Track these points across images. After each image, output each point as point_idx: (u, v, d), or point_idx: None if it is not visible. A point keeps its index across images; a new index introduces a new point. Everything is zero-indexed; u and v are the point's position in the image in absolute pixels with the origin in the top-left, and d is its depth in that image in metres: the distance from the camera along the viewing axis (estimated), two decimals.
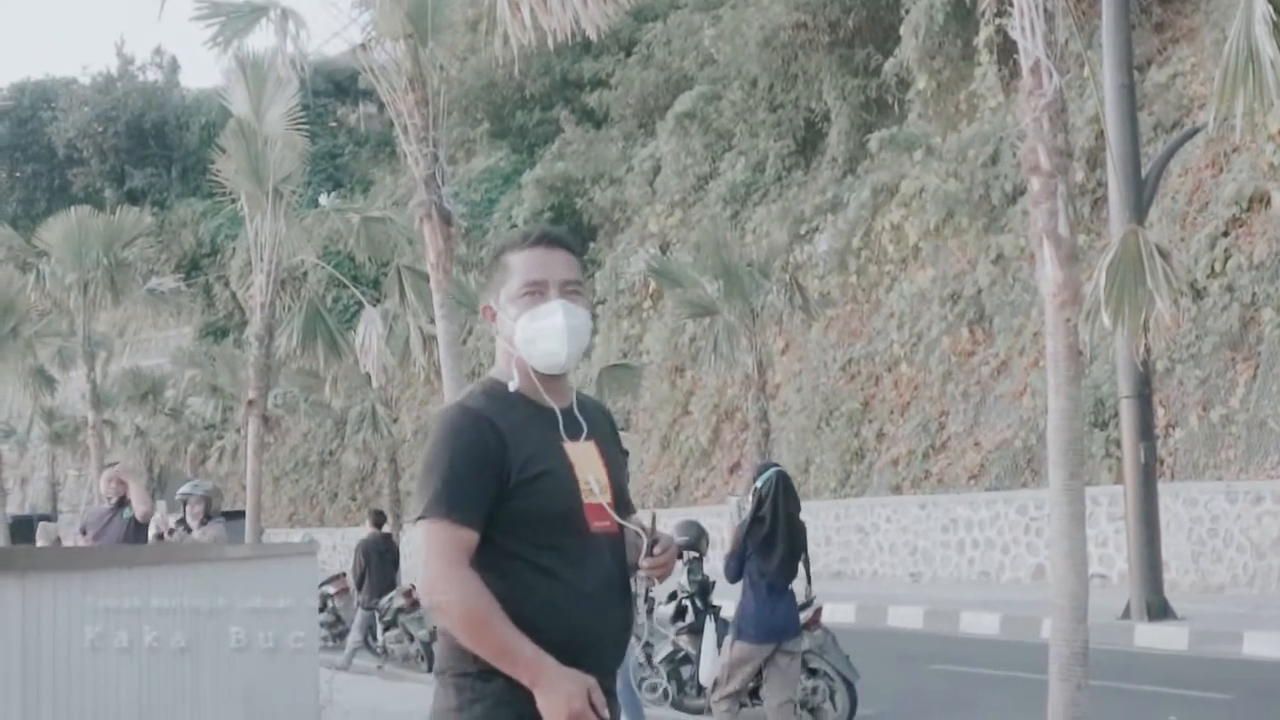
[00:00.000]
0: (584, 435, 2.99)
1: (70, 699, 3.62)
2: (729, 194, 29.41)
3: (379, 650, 16.04)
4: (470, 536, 2.80)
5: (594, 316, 29.68)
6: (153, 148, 49.22)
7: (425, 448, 2.86)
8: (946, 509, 20.82)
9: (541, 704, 2.74)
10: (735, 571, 7.64)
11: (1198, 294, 17.68)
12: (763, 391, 19.03)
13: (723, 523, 21.87)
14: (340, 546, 35.66)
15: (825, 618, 10.05)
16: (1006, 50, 22.21)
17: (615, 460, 3.09)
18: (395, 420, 34.56)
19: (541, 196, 34.52)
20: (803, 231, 26.56)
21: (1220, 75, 7.39)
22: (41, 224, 23.17)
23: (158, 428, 37.31)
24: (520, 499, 2.84)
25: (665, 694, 10.93)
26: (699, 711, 10.72)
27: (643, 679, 10.59)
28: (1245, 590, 16.20)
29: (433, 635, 15.35)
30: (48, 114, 49.86)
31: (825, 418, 24.24)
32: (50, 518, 32.88)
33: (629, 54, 36.36)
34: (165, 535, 9.25)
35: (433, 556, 2.79)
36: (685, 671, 10.85)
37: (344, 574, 19.18)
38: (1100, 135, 19.13)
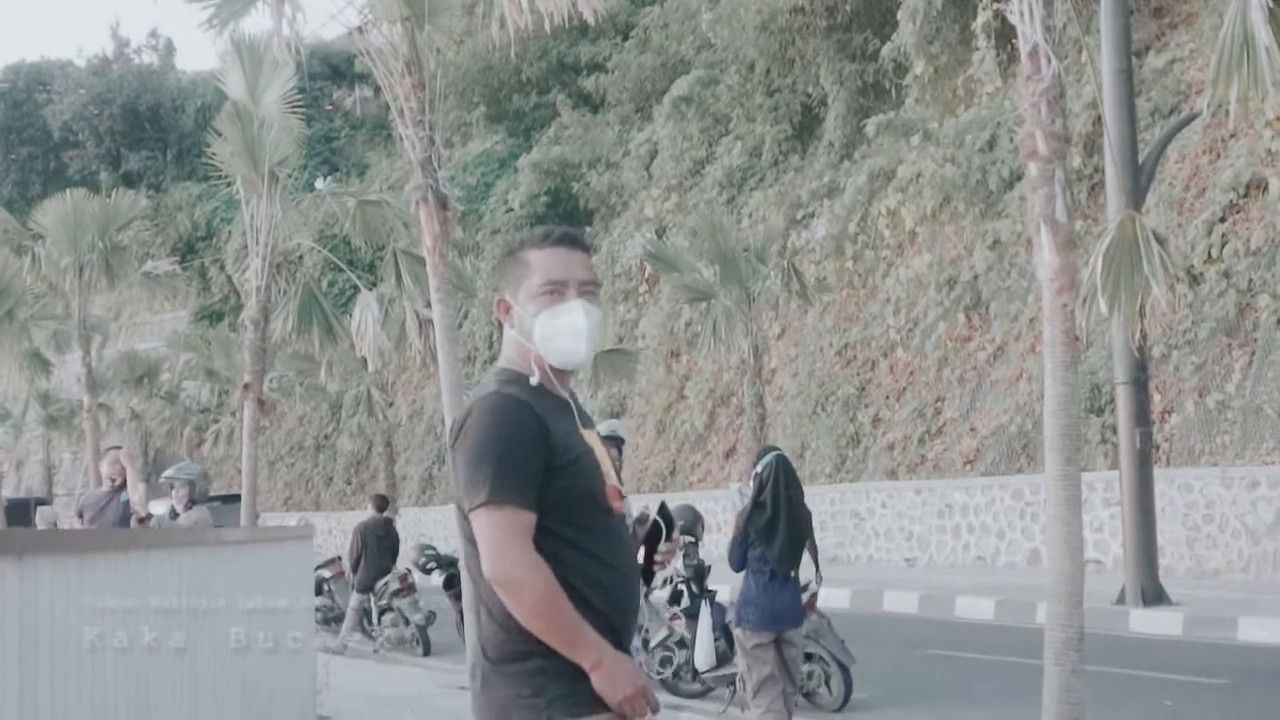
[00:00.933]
0: (587, 424, 3.12)
1: (68, 679, 3.62)
2: (725, 179, 29.38)
3: (375, 635, 16.07)
4: (532, 519, 2.86)
5: None
6: (148, 131, 49.14)
7: (470, 435, 2.86)
8: (942, 494, 20.85)
9: (600, 687, 2.83)
10: (739, 559, 7.53)
11: (1194, 280, 17.68)
12: (759, 376, 19.02)
13: (718, 508, 21.93)
14: (336, 530, 35.68)
15: (821, 602, 10.07)
16: (1004, 35, 22.17)
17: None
18: (391, 404, 34.62)
19: (538, 180, 34.48)
20: (799, 216, 26.54)
21: (1215, 61, 7.38)
22: (37, 207, 23.12)
23: (153, 411, 37.29)
24: (563, 479, 2.90)
25: (661, 679, 10.94)
26: (694, 696, 10.75)
27: (638, 664, 10.62)
28: (1240, 576, 16.23)
29: (429, 619, 15.35)
30: (43, 96, 49.75)
31: (821, 403, 24.26)
32: (46, 501, 32.94)
33: (626, 38, 36.30)
34: (146, 520, 9.23)
35: (505, 541, 2.81)
36: (681, 656, 10.86)
37: (339, 558, 19.17)
38: (1098, 121, 19.14)
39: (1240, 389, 17.26)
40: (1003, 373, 21.11)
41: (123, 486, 9.38)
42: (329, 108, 50.61)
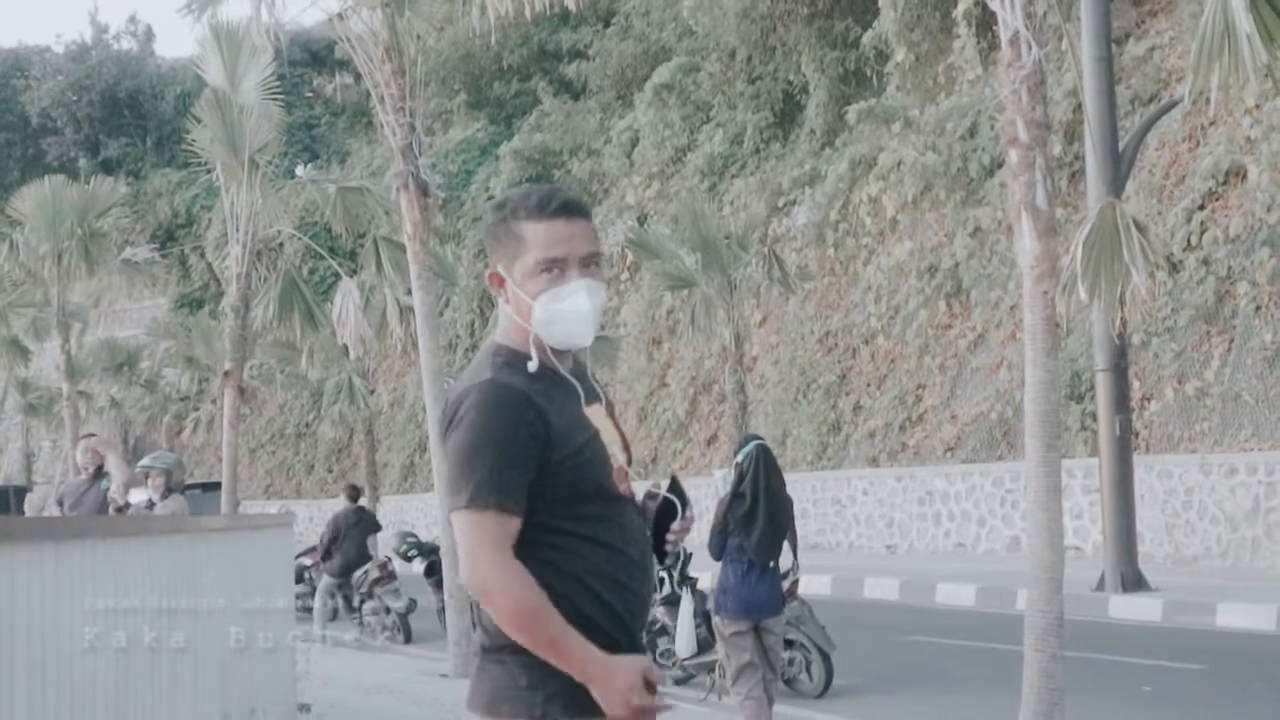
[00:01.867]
0: (593, 398, 2.90)
1: (45, 666, 3.60)
2: (707, 166, 29.37)
3: (357, 622, 16.02)
4: (516, 524, 2.69)
5: None
6: (127, 117, 48.88)
7: (460, 429, 2.69)
8: (923, 481, 20.90)
9: (601, 700, 2.67)
10: (719, 548, 7.50)
11: (1174, 268, 17.73)
12: (740, 364, 19.04)
13: (700, 495, 21.94)
14: (317, 518, 35.58)
15: (802, 589, 10.08)
16: (985, 23, 22.18)
17: (615, 415, 2.99)
18: (372, 392, 34.50)
19: (519, 168, 34.42)
20: (780, 204, 26.54)
21: (1196, 49, 7.39)
22: (15, 194, 23.03)
23: (133, 399, 37.12)
24: (566, 473, 2.74)
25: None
26: (676, 683, 10.75)
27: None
28: (1218, 562, 16.30)
29: (410, 607, 15.32)
30: (21, 83, 49.43)
31: (802, 390, 24.28)
32: (26, 489, 32.76)
33: (607, 25, 36.23)
34: (122, 509, 9.16)
35: (482, 548, 2.66)
36: (662, 643, 10.86)
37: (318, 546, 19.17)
38: (1078, 108, 19.14)
39: (1219, 376, 17.33)
40: (983, 360, 21.15)
41: (100, 473, 9.32)
42: (309, 95, 50.41)
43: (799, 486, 21.98)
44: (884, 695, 10.23)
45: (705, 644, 9.81)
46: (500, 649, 2.71)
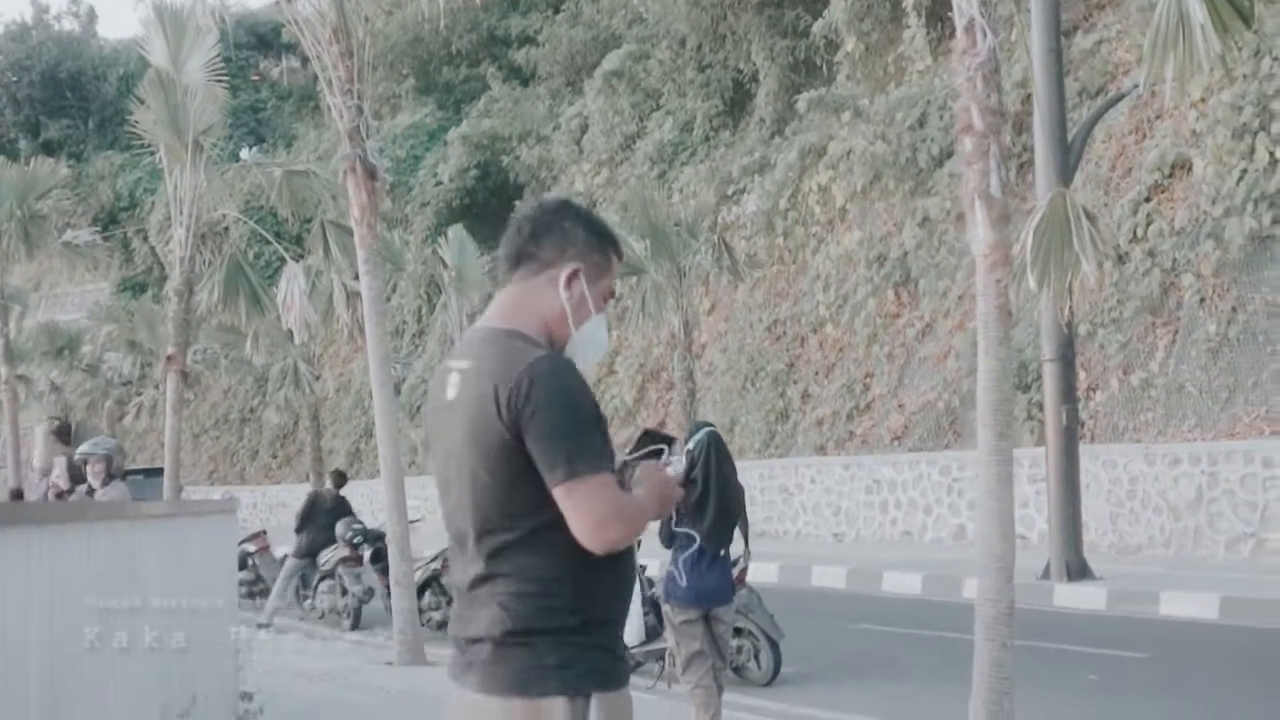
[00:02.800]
0: None
1: None
2: (656, 153, 29.33)
3: (309, 605, 15.82)
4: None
5: None
6: (69, 99, 48.24)
7: (554, 404, 2.72)
8: (870, 470, 20.95)
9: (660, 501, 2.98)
10: (667, 535, 7.42)
11: (1120, 259, 17.83)
12: (689, 351, 19.03)
13: None
14: (261, 504, 35.35)
15: (749, 577, 10.04)
16: (935, 13, 22.25)
17: None
18: (318, 378, 34.26)
19: (467, 154, 34.24)
20: (730, 192, 26.52)
21: (1150, 39, 7.40)
22: None
23: (74, 383, 36.68)
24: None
25: None
26: None
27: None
28: (1162, 551, 16.43)
29: (367, 595, 15.12)
30: None
31: (751, 378, 24.29)
32: None
33: (557, 11, 36.10)
34: (64, 494, 9.00)
35: (610, 509, 2.75)
36: None
37: (264, 532, 18.99)
38: (1027, 99, 19.23)
39: (1164, 367, 17.45)
40: (931, 349, 21.23)
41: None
42: (255, 78, 49.91)
43: (747, 474, 21.86)
44: (832, 683, 10.23)
45: (653, 632, 9.76)
46: (528, 632, 2.74)
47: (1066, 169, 14.34)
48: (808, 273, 24.39)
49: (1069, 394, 14.98)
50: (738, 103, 28.88)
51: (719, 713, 7.38)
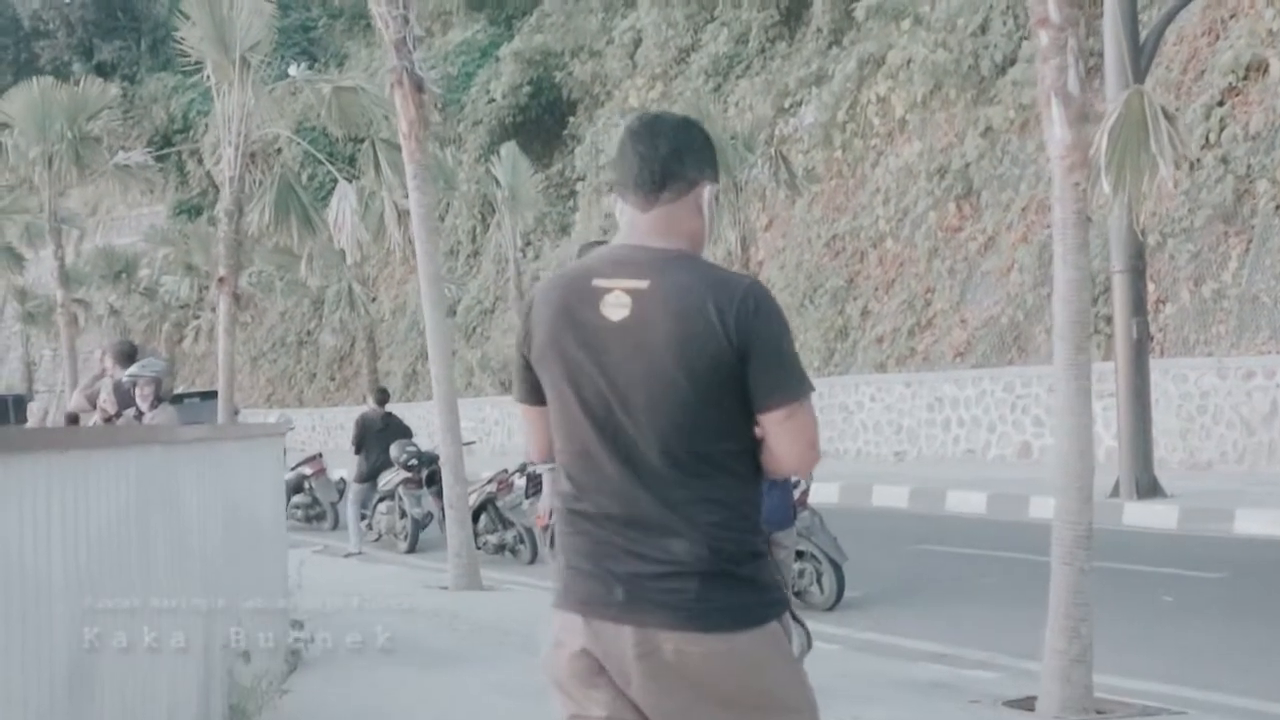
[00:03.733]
0: None
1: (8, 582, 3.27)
2: (711, 66, 28.75)
3: (365, 525, 15.69)
4: None
5: (574, 194, 28.71)
6: (121, 20, 48.08)
7: (780, 323, 2.71)
8: (932, 387, 20.57)
9: None
10: None
11: (1191, 166, 17.26)
12: (746, 268, 18.65)
13: None
14: (319, 426, 35.45)
15: (810, 499, 9.76)
16: None
17: None
18: (374, 299, 34.22)
19: (520, 70, 33.76)
20: (787, 105, 25.98)
21: None
22: (3, 96, 22.49)
23: (132, 307, 36.85)
24: None
25: None
26: None
27: None
28: (1234, 467, 16.01)
29: (427, 519, 14.88)
30: None
31: (809, 295, 23.89)
32: (26, 398, 32.55)
33: None
34: (111, 419, 8.81)
35: (817, 432, 2.80)
36: None
37: (319, 455, 18.88)
38: (1094, 2, 18.56)
39: (1236, 278, 16.93)
40: (994, 263, 20.74)
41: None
42: None
43: None
44: (896, 606, 9.96)
45: None
46: (737, 559, 2.68)
47: (1138, 72, 13.76)
48: (866, 186, 23.89)
49: (1139, 306, 14.52)
50: (793, 12, 28.19)
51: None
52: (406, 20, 11.25)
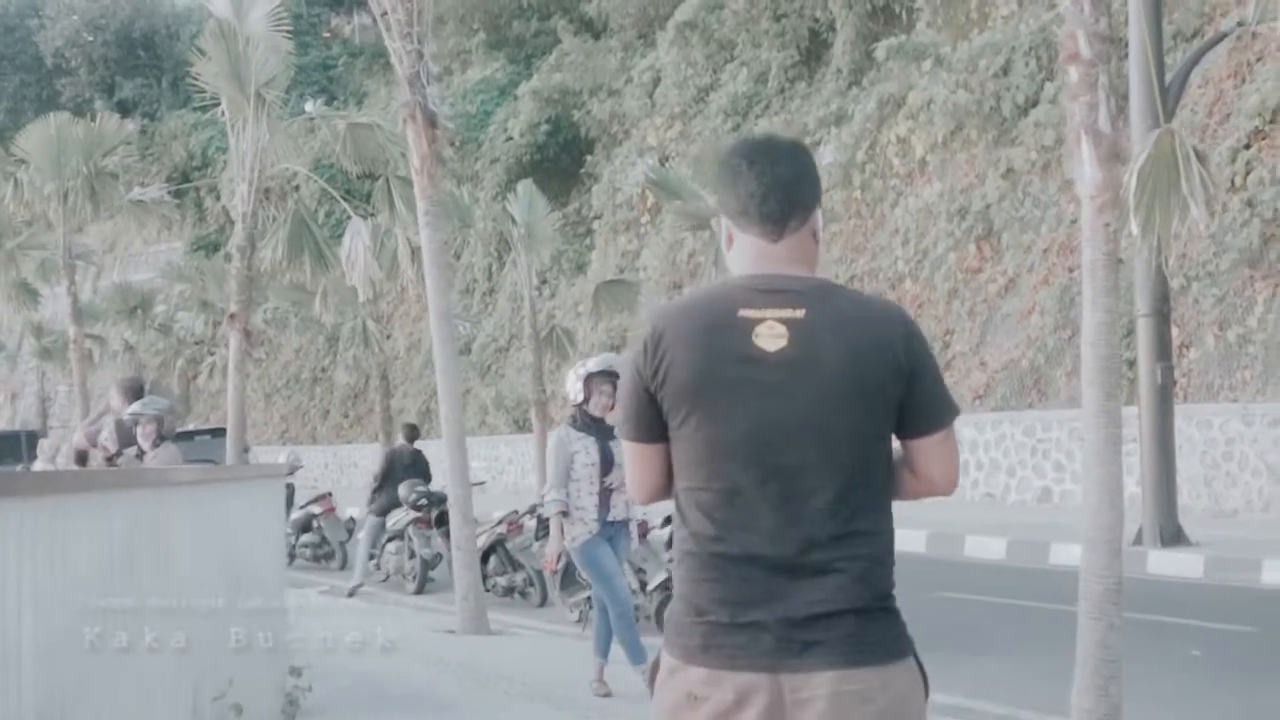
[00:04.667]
0: None
1: None
2: (730, 106, 28.64)
3: (374, 565, 15.48)
4: None
5: (590, 232, 28.57)
6: (142, 57, 48.28)
7: (928, 349, 2.73)
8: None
9: None
10: None
11: (1216, 210, 17.00)
12: None
13: None
14: (332, 464, 35.28)
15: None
16: None
17: None
18: (388, 337, 34.06)
19: (538, 108, 33.70)
20: (806, 144, 25.81)
21: None
22: (20, 132, 22.48)
23: (147, 343, 36.76)
24: None
25: (659, 622, 10.43)
26: None
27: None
28: (1260, 515, 15.69)
29: (436, 559, 14.67)
30: (35, 22, 48.85)
31: None
32: (38, 434, 32.42)
33: None
34: (113, 458, 8.61)
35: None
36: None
37: (329, 493, 18.66)
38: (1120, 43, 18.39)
39: (1263, 322, 16.65)
40: (1014, 305, 20.49)
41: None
42: (326, 34, 49.72)
43: None
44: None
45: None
46: (886, 595, 2.70)
47: (1166, 113, 13.55)
48: (886, 226, 23.69)
49: (1164, 351, 14.25)
50: (814, 53, 28.10)
51: None
52: (421, 55, 11.10)
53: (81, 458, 9.79)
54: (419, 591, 14.60)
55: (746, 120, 28.08)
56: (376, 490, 15.86)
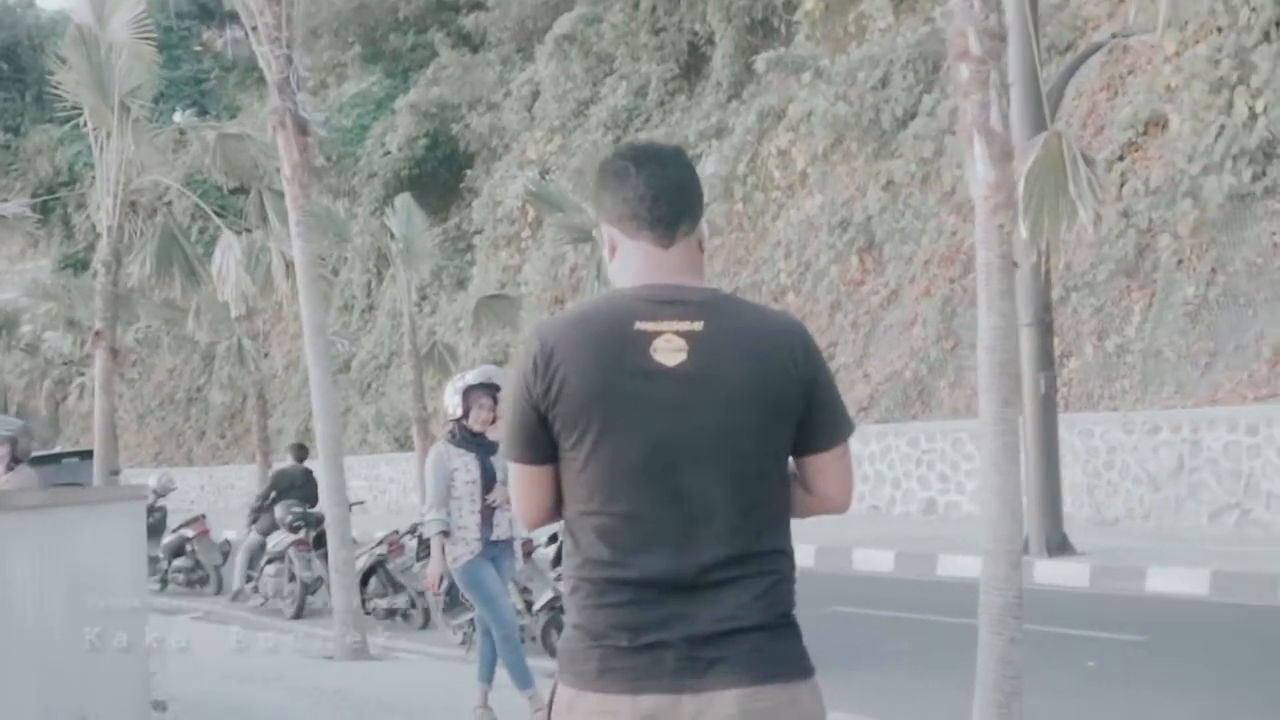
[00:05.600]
0: None
1: None
2: (610, 119, 28.49)
3: (251, 588, 14.97)
4: None
5: (471, 247, 28.20)
6: (5, 70, 46.97)
7: (825, 361, 2.63)
8: None
9: None
10: None
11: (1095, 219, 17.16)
12: None
13: None
14: (209, 486, 34.42)
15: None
16: None
17: None
18: (266, 355, 33.34)
19: (416, 123, 33.27)
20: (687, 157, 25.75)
21: None
22: None
23: (12, 364, 35.62)
24: None
25: (545, 644, 10.13)
26: None
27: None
28: (1141, 524, 15.80)
29: (317, 583, 14.19)
30: None
31: None
32: None
33: None
34: None
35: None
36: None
37: (203, 516, 18.06)
38: None
39: (1140, 332, 16.82)
40: (897, 317, 20.53)
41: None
42: (198, 48, 48.76)
43: None
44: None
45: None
46: (789, 611, 2.58)
47: (1042, 125, 13.57)
48: (768, 239, 23.65)
49: (1047, 361, 14.27)
50: (693, 66, 28.05)
51: None
52: (290, 60, 10.72)
53: None
54: (297, 616, 14.11)
55: (627, 133, 27.93)
56: (260, 510, 15.40)
